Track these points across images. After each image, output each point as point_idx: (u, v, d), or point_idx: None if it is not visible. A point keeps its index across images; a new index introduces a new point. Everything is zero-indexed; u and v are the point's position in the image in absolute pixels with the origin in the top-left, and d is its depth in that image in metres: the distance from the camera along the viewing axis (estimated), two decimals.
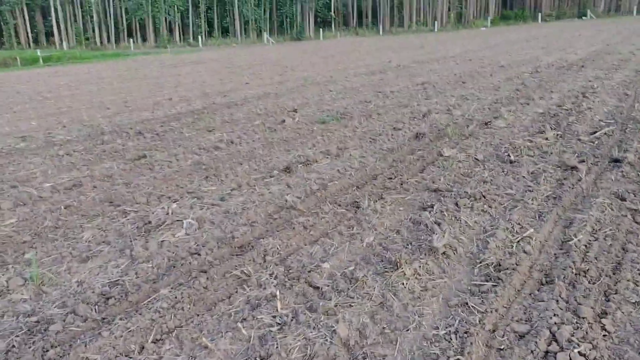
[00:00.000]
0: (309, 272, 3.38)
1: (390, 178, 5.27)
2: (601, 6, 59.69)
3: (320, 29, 63.87)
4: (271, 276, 3.38)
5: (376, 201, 4.58)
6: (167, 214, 4.75)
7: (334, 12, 69.76)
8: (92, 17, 60.89)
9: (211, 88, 15.90)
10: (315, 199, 4.85)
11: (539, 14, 59.16)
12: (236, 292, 3.25)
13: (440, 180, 5.02)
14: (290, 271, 3.44)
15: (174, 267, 3.66)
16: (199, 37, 62.11)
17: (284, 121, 9.16)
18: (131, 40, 60.67)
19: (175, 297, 3.19)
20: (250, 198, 5.08)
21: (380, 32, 62.30)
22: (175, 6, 64.09)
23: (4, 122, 12.06)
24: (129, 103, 13.70)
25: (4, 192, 5.99)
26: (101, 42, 62.41)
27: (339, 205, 4.57)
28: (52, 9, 58.21)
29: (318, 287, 3.18)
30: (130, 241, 4.19)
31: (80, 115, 12.05)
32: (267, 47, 50.30)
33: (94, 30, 61.75)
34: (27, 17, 58.68)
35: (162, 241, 4.13)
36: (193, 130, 9.13)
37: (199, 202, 5.07)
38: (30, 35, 59.20)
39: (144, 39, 65.62)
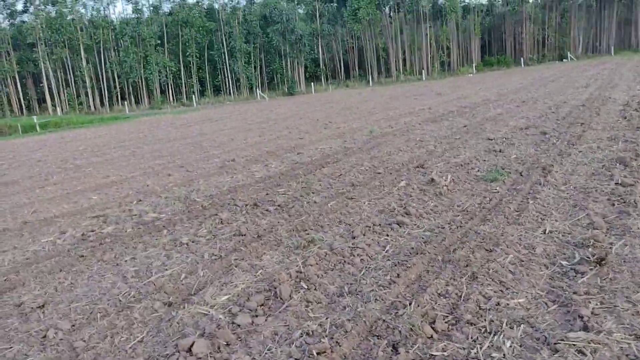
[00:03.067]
0: None
1: None
2: (579, 49, 60.52)
3: (312, 83, 63.14)
4: None
5: None
6: None
7: (323, 66, 69.39)
8: (84, 81, 58.91)
9: (267, 146, 13.90)
10: None
11: (522, 59, 59.54)
12: None
13: None
14: None
15: None
16: (193, 96, 60.62)
17: (432, 180, 7.16)
18: (125, 103, 58.82)
19: None
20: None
21: (370, 83, 61.81)
22: (167, 67, 62.75)
23: (52, 196, 9.79)
24: (189, 168, 11.57)
25: (165, 319, 3.79)
26: (94, 107, 60.29)
27: None
28: (44, 76, 56.16)
29: None
30: None
31: (144, 186, 9.87)
32: (264, 103, 48.74)
33: (87, 95, 59.63)
34: (19, 85, 56.46)
35: None
36: (324, 199, 7.05)
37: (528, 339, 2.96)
38: (22, 102, 56.83)
39: (137, 102, 63.82)
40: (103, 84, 60.03)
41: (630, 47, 58.26)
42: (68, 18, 57.66)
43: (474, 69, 60.44)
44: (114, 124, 38.42)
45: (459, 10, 63.22)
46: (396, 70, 65.15)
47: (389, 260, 4.45)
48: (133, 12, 64.01)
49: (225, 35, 64.18)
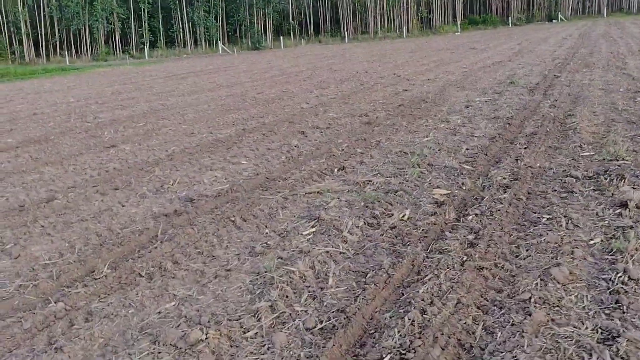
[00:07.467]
0: None
1: None
2: (569, 9, 60.07)
3: (281, 38, 59.17)
4: None
5: None
6: None
7: (292, 19, 65.29)
8: (19, 28, 51.89)
9: (381, 99, 11.04)
10: None
11: (509, 18, 58.32)
12: None
13: None
14: None
15: None
16: (144, 48, 55.04)
17: None
18: (65, 53, 52.55)
19: None
20: None
21: (346, 40, 58.71)
22: (115, 14, 56.41)
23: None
24: (321, 125, 8.57)
25: None
26: (29, 58, 53.48)
27: None
28: None
29: None
30: None
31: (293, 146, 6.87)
32: (231, 56, 44.27)
33: (20, 44, 52.70)
34: None
35: None
36: None
37: None
38: None
39: (77, 52, 57.28)
40: (40, 31, 53.20)
41: (622, 10, 58.50)
42: None
43: (459, 27, 58.66)
44: (68, 75, 33.09)
45: None
46: (374, 26, 62.31)
47: None
48: None
49: None
